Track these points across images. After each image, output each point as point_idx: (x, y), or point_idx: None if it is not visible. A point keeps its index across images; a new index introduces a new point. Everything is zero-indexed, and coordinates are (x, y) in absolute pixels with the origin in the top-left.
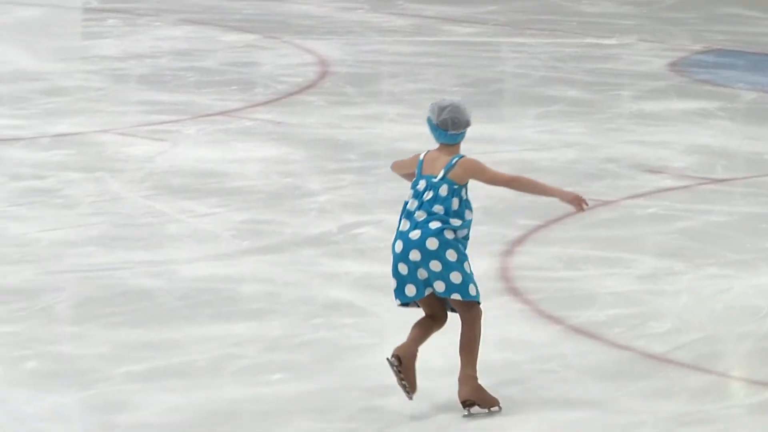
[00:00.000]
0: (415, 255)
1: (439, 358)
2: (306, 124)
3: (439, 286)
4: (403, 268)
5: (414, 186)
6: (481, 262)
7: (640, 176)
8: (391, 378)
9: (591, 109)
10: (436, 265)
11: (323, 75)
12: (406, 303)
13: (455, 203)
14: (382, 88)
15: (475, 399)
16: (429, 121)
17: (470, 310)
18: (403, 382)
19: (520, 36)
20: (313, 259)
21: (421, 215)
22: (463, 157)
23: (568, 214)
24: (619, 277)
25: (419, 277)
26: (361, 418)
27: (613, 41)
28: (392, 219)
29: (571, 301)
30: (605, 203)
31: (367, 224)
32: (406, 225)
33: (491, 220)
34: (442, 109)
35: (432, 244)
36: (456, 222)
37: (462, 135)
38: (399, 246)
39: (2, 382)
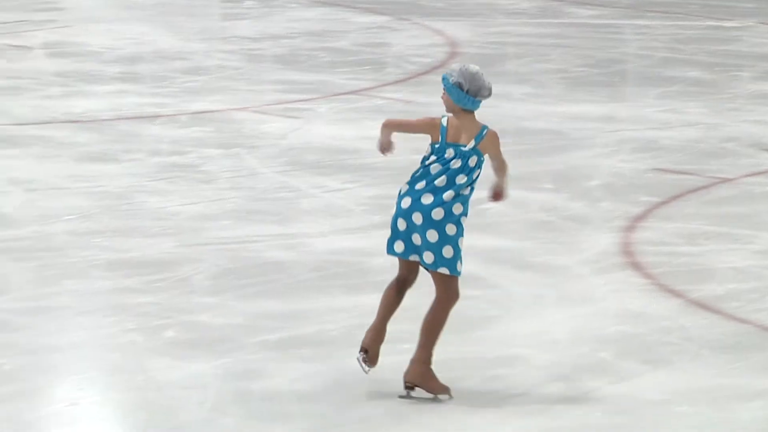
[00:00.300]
0: (417, 218)
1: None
2: (434, 102)
3: (428, 257)
4: (401, 224)
5: (440, 152)
6: (602, 238)
7: (760, 155)
8: (515, 348)
9: (711, 90)
10: (432, 235)
11: (452, 55)
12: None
13: (476, 174)
14: (508, 69)
15: (421, 383)
16: (455, 86)
17: (449, 288)
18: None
19: (642, 18)
20: None
21: (441, 182)
22: (488, 128)
23: (689, 191)
24: (739, 252)
25: (412, 240)
26: (487, 387)
27: (734, 24)
28: (518, 194)
29: (691, 275)
30: (725, 181)
31: None
32: (422, 185)
33: (613, 197)
34: (472, 74)
35: (437, 214)
36: (467, 192)
37: (480, 103)
38: (406, 202)
39: (142, 351)
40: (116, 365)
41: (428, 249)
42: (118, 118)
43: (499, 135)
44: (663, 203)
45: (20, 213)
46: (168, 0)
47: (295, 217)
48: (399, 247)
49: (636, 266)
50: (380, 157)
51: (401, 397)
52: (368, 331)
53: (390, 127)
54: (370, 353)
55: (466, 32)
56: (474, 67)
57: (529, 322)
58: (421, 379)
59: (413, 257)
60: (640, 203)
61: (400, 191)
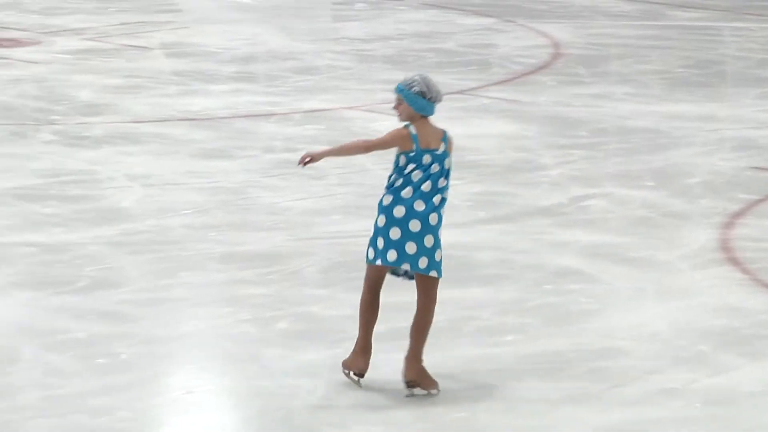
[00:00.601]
0: (415, 225)
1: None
2: (539, 102)
3: (423, 263)
4: (395, 233)
5: (417, 159)
6: (702, 234)
7: None
8: (616, 341)
9: None
10: (429, 240)
11: (555, 56)
12: (373, 263)
13: (450, 176)
14: (611, 69)
15: (418, 380)
16: (418, 95)
17: (434, 291)
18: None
19: (740, 21)
20: (543, 228)
21: (427, 187)
22: (445, 131)
23: None
24: None
25: (406, 249)
26: (587, 378)
27: None
28: (620, 192)
29: None
30: None
31: (596, 196)
32: (408, 192)
33: (712, 194)
34: (430, 82)
35: (433, 219)
36: (447, 194)
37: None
38: (400, 211)
39: (255, 341)
40: (230, 355)
41: (424, 254)
42: (233, 116)
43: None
44: (761, 200)
45: (138, 208)
46: (281, 2)
47: None
48: (392, 255)
49: (734, 261)
50: (485, 155)
51: (407, 396)
52: (357, 355)
53: (357, 149)
54: (363, 372)
55: (569, 34)
56: (428, 76)
57: (630, 315)
58: (419, 377)
59: (405, 265)
60: (739, 200)
61: (383, 202)
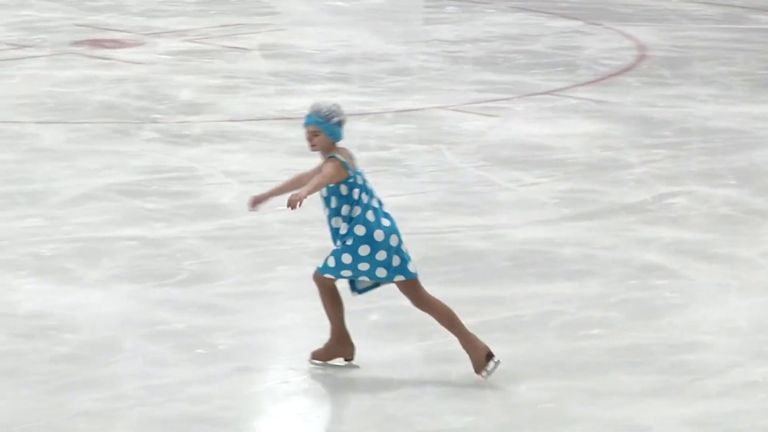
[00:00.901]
0: (393, 240)
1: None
2: (624, 102)
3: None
4: (381, 255)
5: (356, 182)
6: None
7: None
8: (699, 335)
9: None
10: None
11: (641, 58)
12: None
13: None
14: (694, 71)
15: (481, 360)
16: (336, 124)
17: (412, 289)
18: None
19: None
20: (628, 225)
21: (376, 203)
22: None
23: None
24: None
25: (393, 263)
26: (671, 371)
27: None
28: (703, 190)
29: None
30: None
31: (680, 194)
32: (371, 216)
33: None
34: (341, 108)
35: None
36: None
37: None
38: (379, 235)
39: (350, 332)
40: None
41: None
42: None
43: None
44: None
45: (236, 204)
46: (374, 6)
47: (492, 210)
48: (382, 273)
49: None
50: (572, 154)
51: (484, 377)
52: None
53: (306, 193)
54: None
55: (654, 36)
56: (329, 101)
57: (712, 310)
58: (480, 357)
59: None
60: None
61: (355, 232)
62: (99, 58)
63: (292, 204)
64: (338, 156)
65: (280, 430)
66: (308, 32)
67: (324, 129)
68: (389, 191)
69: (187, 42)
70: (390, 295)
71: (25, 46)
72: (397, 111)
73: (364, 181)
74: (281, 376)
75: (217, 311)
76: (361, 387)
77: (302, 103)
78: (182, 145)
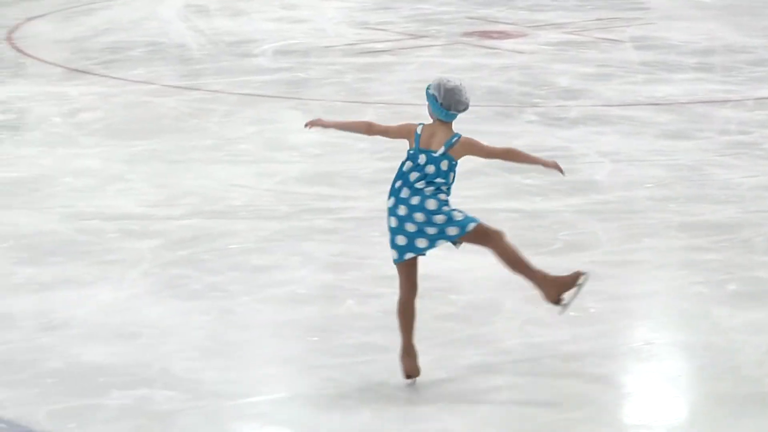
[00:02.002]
0: (420, 217)
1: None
2: None
3: (452, 231)
4: (411, 227)
5: (414, 158)
6: None
7: None
8: None
9: None
10: (440, 218)
11: None
12: (401, 260)
13: (452, 177)
14: None
15: (560, 291)
16: (432, 97)
17: (488, 233)
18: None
19: None
20: None
21: (421, 185)
22: (461, 136)
23: None
24: None
25: (427, 232)
26: None
27: None
28: None
29: None
30: None
31: None
32: (406, 192)
33: None
34: (447, 89)
35: (431, 204)
36: (446, 196)
37: (456, 115)
38: (403, 210)
39: (707, 301)
40: (685, 312)
41: (447, 226)
42: (693, 102)
43: (473, 138)
44: None
45: (608, 181)
46: (735, 2)
47: None
48: (422, 243)
49: None
50: None
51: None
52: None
53: (372, 130)
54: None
55: None
56: (452, 82)
57: None
58: (559, 287)
59: (440, 243)
60: None
61: (389, 206)
62: (487, 47)
63: (310, 124)
64: (421, 125)
65: (644, 387)
66: (675, 26)
67: (426, 96)
68: (748, 172)
69: (566, 34)
70: (747, 267)
71: (421, 36)
72: (756, 99)
73: (438, 172)
74: (645, 337)
75: (590, 278)
76: (718, 350)
77: (670, 91)
78: (559, 127)
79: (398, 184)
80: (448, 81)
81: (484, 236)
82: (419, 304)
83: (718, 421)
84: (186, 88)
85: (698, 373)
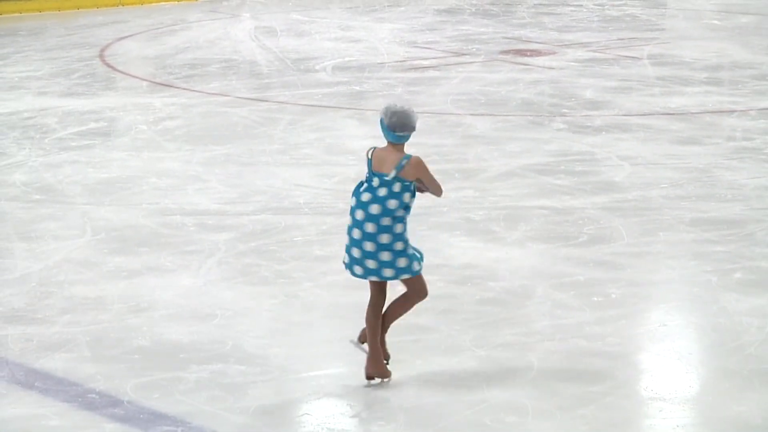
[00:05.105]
0: (369, 246)
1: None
2: None
3: (388, 273)
4: (356, 252)
5: (368, 181)
6: None
7: None
8: None
9: None
10: (385, 256)
11: None
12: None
13: (407, 197)
14: None
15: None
16: (381, 121)
17: (415, 286)
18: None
19: None
20: None
21: (376, 210)
22: (411, 157)
23: None
24: None
25: (367, 265)
26: None
27: None
28: None
29: None
30: None
31: None
32: (361, 215)
33: None
34: (393, 113)
35: (384, 239)
36: (402, 213)
37: (407, 137)
38: (357, 234)
39: (716, 287)
40: (696, 297)
41: (385, 267)
42: (703, 112)
43: (422, 160)
44: None
45: (627, 181)
46: (743, 23)
47: None
48: (359, 270)
49: None
50: None
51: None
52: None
53: None
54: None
55: None
56: (398, 106)
57: None
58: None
59: (372, 278)
60: None
61: (348, 224)
62: (521, 64)
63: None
64: (371, 150)
65: (659, 363)
66: (688, 45)
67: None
68: (751, 174)
69: (591, 52)
70: (752, 257)
71: (463, 54)
72: (760, 109)
73: (390, 193)
74: (661, 320)
75: (610, 267)
76: (725, 331)
77: (683, 102)
78: (585, 134)
79: (353, 202)
80: (395, 105)
81: (411, 286)
82: (460, 290)
83: (725, 394)
84: (256, 99)
85: (707, 352)
